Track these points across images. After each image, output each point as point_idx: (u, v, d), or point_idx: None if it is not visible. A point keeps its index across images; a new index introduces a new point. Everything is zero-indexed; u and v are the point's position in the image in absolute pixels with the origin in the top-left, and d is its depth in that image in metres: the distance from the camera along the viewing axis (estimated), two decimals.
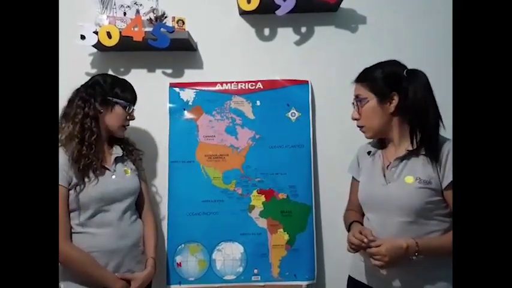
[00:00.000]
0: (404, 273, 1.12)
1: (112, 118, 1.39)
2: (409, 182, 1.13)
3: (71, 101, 1.37)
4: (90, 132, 1.31)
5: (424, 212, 1.12)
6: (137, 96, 1.48)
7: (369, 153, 1.30)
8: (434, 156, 1.13)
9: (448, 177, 1.09)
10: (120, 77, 1.51)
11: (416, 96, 1.13)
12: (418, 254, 1.07)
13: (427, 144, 1.14)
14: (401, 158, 1.18)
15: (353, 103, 1.25)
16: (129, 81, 1.48)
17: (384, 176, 1.20)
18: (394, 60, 1.23)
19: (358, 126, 1.25)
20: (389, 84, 1.16)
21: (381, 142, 1.27)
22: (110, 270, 1.31)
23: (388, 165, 1.21)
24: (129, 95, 1.43)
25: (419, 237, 1.11)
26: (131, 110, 1.44)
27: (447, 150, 1.11)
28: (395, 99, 1.16)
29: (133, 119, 1.47)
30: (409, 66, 1.74)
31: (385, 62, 1.23)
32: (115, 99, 1.38)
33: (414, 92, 1.14)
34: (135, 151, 1.51)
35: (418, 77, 1.16)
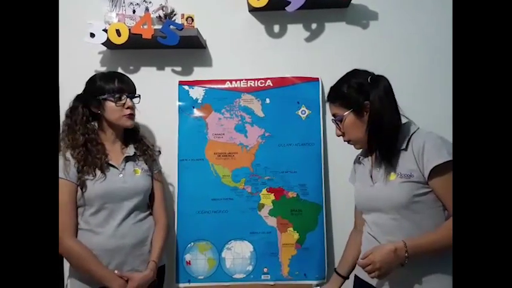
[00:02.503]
0: (403, 269, 1.11)
1: (108, 114, 1.38)
2: (392, 179, 1.15)
3: (70, 112, 1.39)
4: (94, 142, 1.36)
5: (413, 207, 1.12)
6: (131, 82, 1.43)
7: (359, 159, 1.33)
8: (386, 158, 1.16)
9: (428, 167, 1.09)
10: (125, 72, 1.50)
11: (375, 101, 1.16)
12: (407, 256, 1.06)
13: (380, 147, 1.17)
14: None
15: (332, 120, 1.27)
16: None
17: (371, 177, 1.23)
18: (356, 70, 1.25)
19: (345, 141, 1.27)
20: (360, 96, 1.18)
21: (369, 148, 1.28)
22: (112, 268, 1.32)
23: (374, 167, 1.24)
24: (114, 85, 1.37)
25: (413, 234, 1.11)
26: (123, 98, 1.38)
27: (423, 140, 1.11)
28: (369, 108, 1.18)
29: (130, 106, 1.39)
30: (421, 62, 1.74)
31: (348, 74, 1.25)
32: (101, 96, 1.36)
33: (374, 97, 1.16)
34: (149, 151, 1.49)
35: (378, 83, 1.17)
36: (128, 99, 1.38)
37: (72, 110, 1.39)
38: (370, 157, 1.27)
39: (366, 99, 1.17)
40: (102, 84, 1.37)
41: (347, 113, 1.20)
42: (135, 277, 1.34)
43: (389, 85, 1.18)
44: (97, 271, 1.28)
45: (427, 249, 1.08)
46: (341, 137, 1.26)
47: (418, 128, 1.19)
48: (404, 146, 1.15)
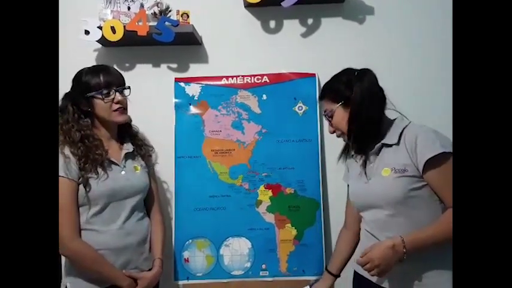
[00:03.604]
0: (402, 264, 1.11)
1: (98, 111, 1.32)
2: (386, 174, 1.15)
3: (61, 111, 1.33)
4: (91, 138, 1.31)
5: (409, 202, 1.12)
6: (118, 74, 1.37)
7: (352, 156, 1.32)
8: (360, 149, 1.18)
9: (422, 160, 1.08)
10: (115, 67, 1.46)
11: (357, 93, 1.17)
12: (406, 251, 1.06)
13: (356, 138, 1.18)
14: (376, 152, 1.20)
15: (324, 117, 1.29)
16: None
17: (365, 174, 1.22)
18: (348, 68, 1.26)
19: (338, 137, 1.27)
20: (347, 89, 1.19)
21: (348, 139, 1.28)
22: (117, 267, 1.30)
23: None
24: (100, 79, 1.30)
25: (410, 229, 1.10)
26: (111, 93, 1.31)
27: (415, 134, 1.12)
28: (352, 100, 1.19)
29: (119, 100, 1.32)
30: (418, 56, 1.74)
31: (339, 72, 1.26)
32: (88, 94, 1.30)
33: (356, 89, 1.17)
34: (144, 146, 1.47)
35: (364, 76, 1.19)
36: (117, 94, 1.31)
37: (62, 110, 1.33)
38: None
39: (351, 93, 1.18)
40: (88, 80, 1.30)
41: (336, 107, 1.21)
42: (145, 276, 1.34)
43: (374, 78, 1.19)
44: (107, 271, 1.27)
45: (425, 243, 1.08)
46: (334, 134, 1.27)
47: (410, 122, 1.19)
48: (396, 141, 1.15)
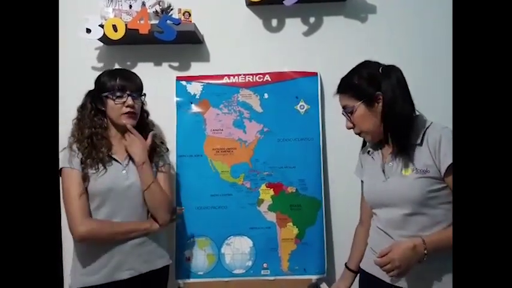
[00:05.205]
0: (419, 264, 1.10)
1: (109, 111, 1.37)
2: (407, 174, 1.13)
3: (81, 108, 1.40)
4: (99, 136, 1.35)
5: (428, 202, 1.11)
6: (136, 80, 1.40)
7: (368, 152, 1.30)
8: (400, 147, 1.14)
9: (445, 163, 1.08)
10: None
11: (388, 91, 1.14)
12: (426, 253, 1.06)
13: (397, 140, 1.16)
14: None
15: (343, 113, 1.25)
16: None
17: (383, 172, 1.21)
18: (367, 61, 1.23)
19: (356, 134, 1.25)
20: (371, 86, 1.16)
21: (385, 140, 1.26)
22: (111, 267, 1.30)
23: (386, 161, 1.22)
24: (116, 82, 1.34)
25: (426, 228, 1.10)
26: (124, 97, 1.35)
27: (439, 135, 1.10)
28: (381, 98, 1.16)
29: (130, 105, 1.35)
30: (420, 55, 1.74)
31: (358, 65, 1.23)
32: (103, 94, 1.35)
33: (386, 87, 1.15)
34: (157, 148, 1.46)
35: (391, 72, 1.16)
36: (129, 98, 1.35)
37: (82, 106, 1.40)
38: (380, 150, 1.25)
39: (377, 90, 1.15)
40: (105, 80, 1.36)
41: (358, 103, 1.18)
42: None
43: (402, 75, 1.17)
44: (127, 227, 1.32)
45: (446, 245, 1.05)
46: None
47: (432, 123, 1.17)
48: (419, 141, 1.14)
